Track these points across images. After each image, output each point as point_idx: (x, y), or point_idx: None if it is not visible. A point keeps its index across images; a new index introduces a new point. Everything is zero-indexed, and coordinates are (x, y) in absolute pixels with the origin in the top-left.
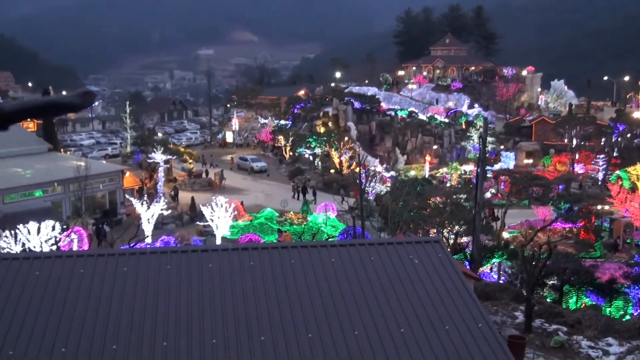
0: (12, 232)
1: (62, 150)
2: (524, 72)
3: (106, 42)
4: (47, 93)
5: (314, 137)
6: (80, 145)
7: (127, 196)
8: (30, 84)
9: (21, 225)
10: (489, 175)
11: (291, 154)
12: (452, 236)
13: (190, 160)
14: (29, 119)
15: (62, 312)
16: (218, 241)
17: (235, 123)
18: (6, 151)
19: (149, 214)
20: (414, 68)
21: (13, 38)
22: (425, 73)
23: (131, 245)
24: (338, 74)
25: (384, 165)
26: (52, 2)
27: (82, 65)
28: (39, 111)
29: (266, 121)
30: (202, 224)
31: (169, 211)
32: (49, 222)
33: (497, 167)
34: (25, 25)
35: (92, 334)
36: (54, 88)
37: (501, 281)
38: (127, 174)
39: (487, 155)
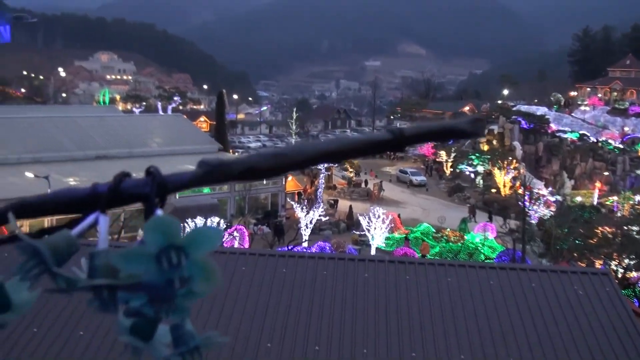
0: (181, 225)
1: (231, 151)
2: None
3: (278, 50)
4: (222, 96)
5: (477, 154)
6: (247, 147)
7: (288, 199)
8: (205, 87)
9: (189, 219)
10: None
11: (451, 169)
12: (621, 270)
13: (351, 169)
14: (422, 143)
15: (222, 307)
16: (372, 252)
17: None
18: (181, 148)
19: (307, 218)
20: (588, 89)
21: (193, 43)
22: (600, 95)
23: (289, 247)
24: (506, 91)
25: (549, 189)
26: (230, 11)
27: (254, 71)
28: (433, 136)
29: None
30: (358, 233)
31: (327, 217)
32: (215, 219)
33: None
34: (205, 31)
35: (249, 330)
36: (227, 92)
37: None
38: (290, 178)
39: None
